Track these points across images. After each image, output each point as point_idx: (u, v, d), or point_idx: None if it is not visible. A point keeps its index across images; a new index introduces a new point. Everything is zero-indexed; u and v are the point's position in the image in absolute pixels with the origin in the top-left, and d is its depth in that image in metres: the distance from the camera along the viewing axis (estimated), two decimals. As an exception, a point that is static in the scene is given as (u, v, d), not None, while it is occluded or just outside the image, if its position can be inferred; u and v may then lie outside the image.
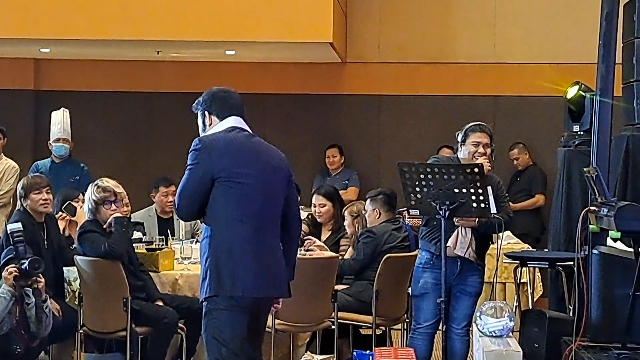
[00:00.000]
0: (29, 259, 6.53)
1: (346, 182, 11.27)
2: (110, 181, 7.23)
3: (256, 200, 5.23)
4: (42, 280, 6.60)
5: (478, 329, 6.22)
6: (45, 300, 6.64)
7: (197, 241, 7.33)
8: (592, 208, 5.87)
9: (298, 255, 7.51)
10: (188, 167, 5.23)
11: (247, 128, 5.38)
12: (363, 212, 7.89)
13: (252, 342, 5.33)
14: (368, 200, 7.84)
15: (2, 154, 9.84)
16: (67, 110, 9.93)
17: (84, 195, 8.04)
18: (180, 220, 8.78)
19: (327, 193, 8.42)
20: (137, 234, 7.68)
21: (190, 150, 5.23)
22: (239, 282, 5.13)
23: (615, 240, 5.83)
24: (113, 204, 7.11)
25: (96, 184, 7.14)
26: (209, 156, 5.18)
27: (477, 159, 6.53)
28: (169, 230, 8.59)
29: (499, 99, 11.57)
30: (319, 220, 8.39)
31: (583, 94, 7.53)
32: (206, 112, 5.39)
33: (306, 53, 11.11)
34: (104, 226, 7.08)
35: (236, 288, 5.13)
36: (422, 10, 11.74)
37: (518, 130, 11.36)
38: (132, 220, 8.28)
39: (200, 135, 5.36)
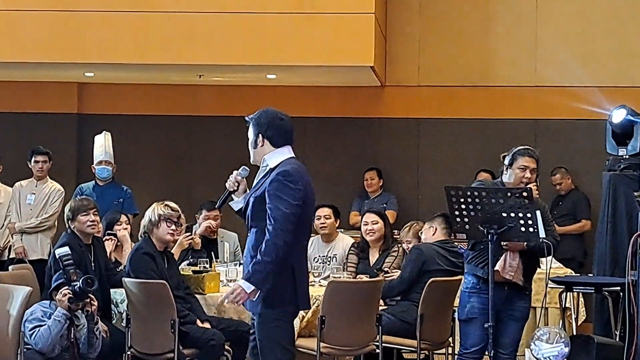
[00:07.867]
0: (82, 277, 6.58)
1: (384, 205, 11.23)
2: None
3: (309, 224, 5.82)
4: (95, 303, 6.65)
5: (532, 355, 6.19)
6: (96, 323, 6.69)
7: (241, 263, 7.38)
8: (644, 232, 5.84)
9: (343, 279, 7.70)
10: (292, 199, 5.47)
11: None
12: (420, 233, 7.97)
13: None
14: (427, 222, 7.93)
15: (48, 177, 9.94)
16: (109, 134, 10.02)
17: (128, 217, 8.14)
18: (225, 242, 8.90)
19: (378, 211, 8.53)
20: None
21: (284, 180, 5.48)
22: (300, 298, 5.66)
23: (665, 265, 5.80)
24: (174, 225, 7.26)
25: (164, 202, 7.38)
26: (303, 186, 5.55)
27: (523, 183, 6.51)
28: (212, 253, 8.62)
29: (540, 122, 11.50)
30: (370, 239, 8.41)
31: (632, 118, 7.47)
32: (260, 134, 5.67)
33: (347, 77, 11.12)
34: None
35: (300, 302, 5.68)
36: (461, 33, 11.71)
37: (558, 154, 11.26)
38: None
39: (259, 152, 5.67)
